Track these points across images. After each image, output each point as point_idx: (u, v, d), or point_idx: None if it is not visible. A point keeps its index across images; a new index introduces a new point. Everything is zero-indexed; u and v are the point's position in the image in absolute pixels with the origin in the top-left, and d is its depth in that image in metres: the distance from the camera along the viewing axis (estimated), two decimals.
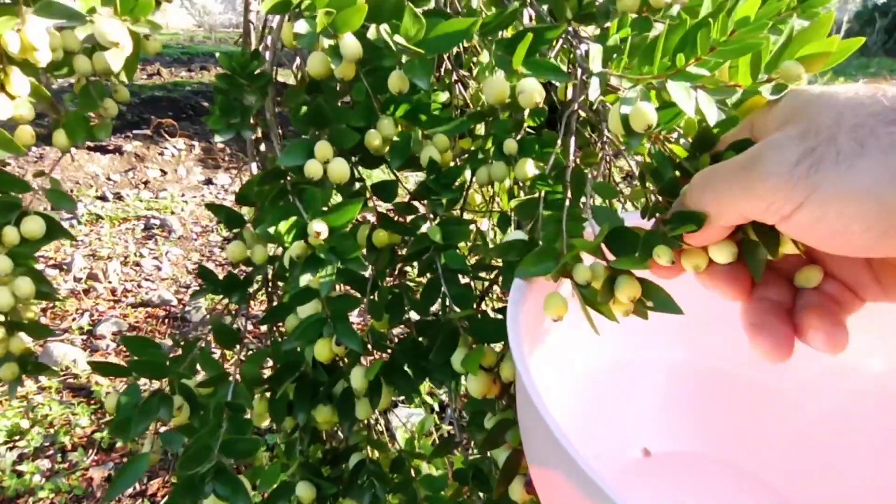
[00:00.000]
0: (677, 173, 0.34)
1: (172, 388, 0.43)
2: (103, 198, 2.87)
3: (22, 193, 0.44)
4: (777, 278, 0.31)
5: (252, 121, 0.44)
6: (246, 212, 0.50)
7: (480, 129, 0.52)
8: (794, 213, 0.24)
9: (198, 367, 0.46)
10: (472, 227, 0.72)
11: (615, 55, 0.37)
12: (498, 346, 0.43)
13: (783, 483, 0.45)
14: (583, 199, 0.37)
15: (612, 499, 0.22)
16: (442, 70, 0.66)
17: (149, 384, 0.44)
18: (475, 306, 0.45)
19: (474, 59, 0.70)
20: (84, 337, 1.89)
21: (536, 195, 0.39)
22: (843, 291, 0.30)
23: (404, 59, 0.40)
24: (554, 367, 0.40)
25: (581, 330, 0.33)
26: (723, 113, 0.35)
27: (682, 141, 0.37)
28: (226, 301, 0.51)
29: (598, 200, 0.44)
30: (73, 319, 1.96)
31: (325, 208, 0.40)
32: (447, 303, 0.43)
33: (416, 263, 0.46)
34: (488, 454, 0.45)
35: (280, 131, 0.52)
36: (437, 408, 1.57)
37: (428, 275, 0.45)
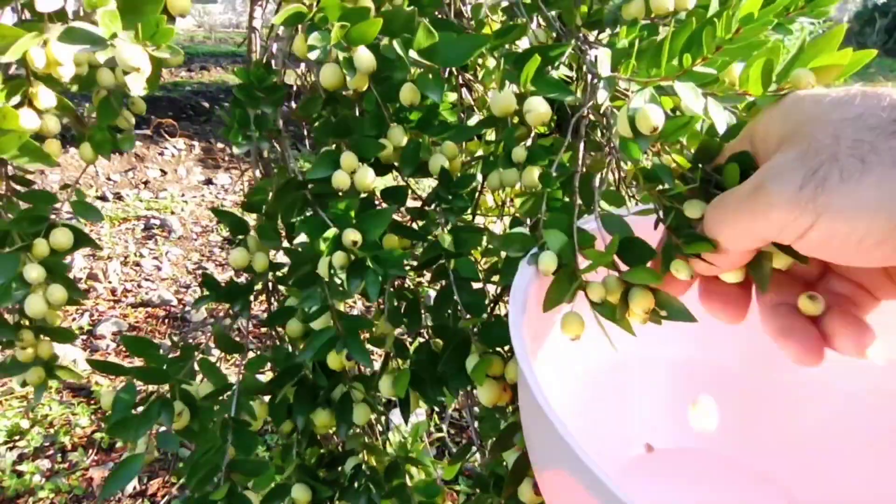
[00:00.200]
0: (678, 182, 0.34)
1: (173, 393, 0.44)
2: (103, 198, 2.87)
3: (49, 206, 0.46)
4: (792, 285, 0.31)
5: (267, 133, 0.45)
6: (252, 218, 0.50)
7: (491, 133, 0.53)
8: (808, 234, 0.25)
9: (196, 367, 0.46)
10: (485, 229, 0.72)
11: (623, 59, 0.37)
12: (507, 351, 0.43)
13: (786, 479, 0.45)
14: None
15: (614, 493, 0.22)
16: (446, 72, 0.66)
17: (147, 385, 0.45)
18: (489, 310, 0.45)
19: (479, 62, 0.70)
20: (84, 337, 1.89)
21: (540, 193, 0.39)
22: (858, 292, 0.30)
23: (415, 71, 0.40)
24: (555, 366, 0.40)
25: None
26: (734, 117, 0.35)
27: (685, 152, 0.37)
28: (227, 312, 0.51)
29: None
30: (73, 319, 1.96)
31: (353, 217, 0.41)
32: (459, 310, 0.43)
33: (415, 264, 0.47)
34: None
35: (286, 138, 0.52)
36: (436, 407, 1.57)
37: (441, 282, 0.45)
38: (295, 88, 0.66)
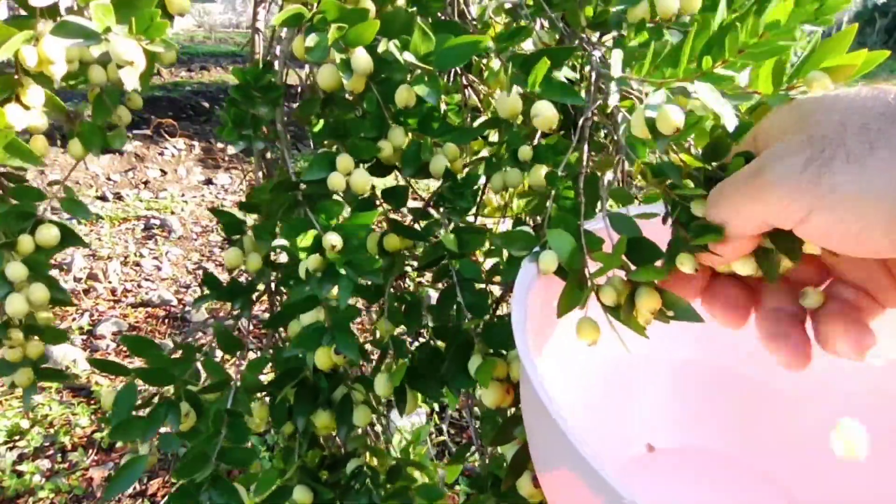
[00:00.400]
0: (687, 181, 0.34)
1: (178, 395, 0.43)
2: (103, 198, 2.87)
3: (36, 202, 0.45)
4: (791, 291, 0.31)
5: (263, 132, 0.45)
6: (251, 218, 0.50)
7: (494, 134, 0.53)
8: (811, 217, 0.24)
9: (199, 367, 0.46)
10: (488, 230, 0.72)
11: (633, 61, 0.37)
12: (510, 352, 0.43)
13: (786, 479, 0.45)
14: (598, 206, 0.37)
15: (615, 489, 0.22)
16: (452, 73, 0.66)
17: (148, 386, 0.45)
18: (492, 312, 0.45)
19: (484, 62, 0.70)
20: (84, 337, 1.89)
21: (546, 192, 0.39)
22: (862, 297, 0.30)
23: (416, 73, 0.40)
24: (557, 364, 0.40)
25: None
26: (737, 118, 0.35)
27: (692, 150, 0.37)
28: (229, 312, 0.51)
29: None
30: (73, 319, 1.96)
31: (339, 219, 0.40)
32: (462, 310, 0.43)
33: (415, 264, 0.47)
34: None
35: (287, 138, 0.52)
36: (437, 408, 1.57)
37: (443, 282, 0.45)
38: (300, 89, 0.66)
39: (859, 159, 0.22)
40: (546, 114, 0.40)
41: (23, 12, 0.39)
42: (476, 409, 0.52)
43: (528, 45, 0.52)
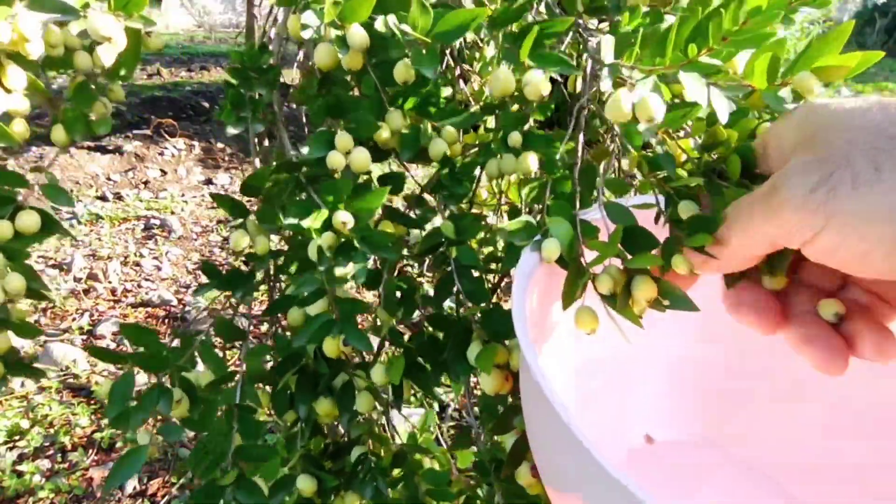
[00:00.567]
0: (682, 171, 0.34)
1: (172, 381, 0.43)
2: (103, 198, 2.86)
3: (18, 188, 0.43)
4: (817, 294, 0.31)
5: (261, 115, 0.44)
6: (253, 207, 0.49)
7: (490, 122, 0.52)
8: (817, 239, 0.24)
9: (197, 358, 0.46)
10: (483, 217, 0.72)
11: (627, 47, 0.37)
12: (509, 341, 0.43)
13: (783, 473, 0.45)
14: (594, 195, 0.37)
15: (615, 478, 0.22)
16: (444, 65, 0.66)
17: (147, 379, 0.44)
18: (490, 300, 0.45)
19: (476, 55, 0.70)
20: (84, 337, 1.89)
21: (544, 181, 0.39)
22: (879, 303, 0.30)
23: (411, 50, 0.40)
24: (556, 354, 0.40)
25: None
26: (733, 104, 0.35)
27: (690, 141, 0.37)
28: (227, 301, 0.50)
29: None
30: (73, 319, 1.96)
31: (345, 200, 0.40)
32: (461, 297, 0.43)
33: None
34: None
35: (284, 120, 0.52)
36: (437, 407, 1.56)
37: (438, 270, 0.45)
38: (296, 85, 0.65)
39: (865, 182, 0.23)
40: (535, 80, 0.39)
41: None
42: (476, 409, 0.52)
43: None
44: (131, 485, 1.38)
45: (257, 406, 0.44)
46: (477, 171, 0.53)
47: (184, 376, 0.42)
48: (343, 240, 0.38)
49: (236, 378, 0.45)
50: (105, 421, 1.55)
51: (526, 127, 0.45)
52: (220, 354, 0.46)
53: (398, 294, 0.47)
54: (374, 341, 0.47)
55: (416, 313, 0.47)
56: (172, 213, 2.80)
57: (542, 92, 0.40)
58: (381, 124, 0.42)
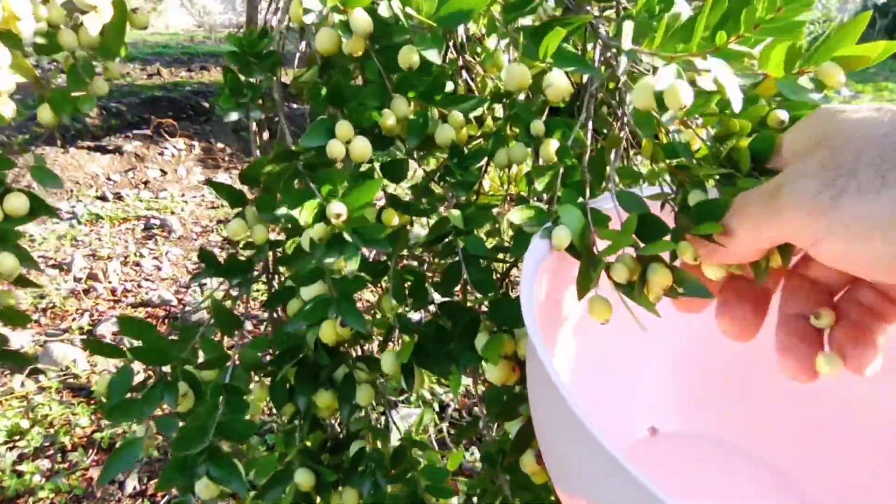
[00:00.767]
0: (695, 162, 0.34)
1: (175, 375, 0.42)
2: (103, 198, 2.86)
3: (7, 170, 0.43)
4: (821, 294, 0.31)
5: (260, 102, 0.44)
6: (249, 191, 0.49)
7: (497, 112, 0.52)
8: (822, 243, 0.25)
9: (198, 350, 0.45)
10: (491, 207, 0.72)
11: (647, 32, 0.36)
12: (517, 331, 0.42)
13: (789, 466, 0.45)
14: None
15: (623, 465, 0.22)
16: (446, 59, 0.65)
17: (143, 370, 0.43)
18: (498, 289, 0.44)
19: (478, 49, 0.69)
20: (84, 337, 1.88)
21: (557, 169, 0.38)
22: (885, 304, 0.30)
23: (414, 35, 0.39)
24: (563, 345, 0.40)
25: None
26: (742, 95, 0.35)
27: (702, 132, 0.36)
28: (226, 294, 0.50)
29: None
30: (73, 319, 1.95)
31: (341, 190, 0.39)
32: (468, 287, 0.43)
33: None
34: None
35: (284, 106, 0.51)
36: (437, 407, 1.56)
37: (449, 259, 0.44)
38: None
39: (870, 191, 0.23)
40: (559, 84, 0.39)
41: None
42: (475, 409, 0.51)
43: (527, 22, 0.51)
44: (131, 485, 1.37)
45: (246, 388, 0.43)
46: (482, 162, 0.52)
47: (187, 370, 0.41)
48: (334, 232, 0.38)
49: (227, 363, 0.44)
50: (105, 421, 1.54)
51: (544, 115, 0.44)
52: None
53: (407, 284, 0.46)
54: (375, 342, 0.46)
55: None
56: (172, 213, 2.79)
57: (564, 94, 0.40)
58: (386, 111, 0.42)
